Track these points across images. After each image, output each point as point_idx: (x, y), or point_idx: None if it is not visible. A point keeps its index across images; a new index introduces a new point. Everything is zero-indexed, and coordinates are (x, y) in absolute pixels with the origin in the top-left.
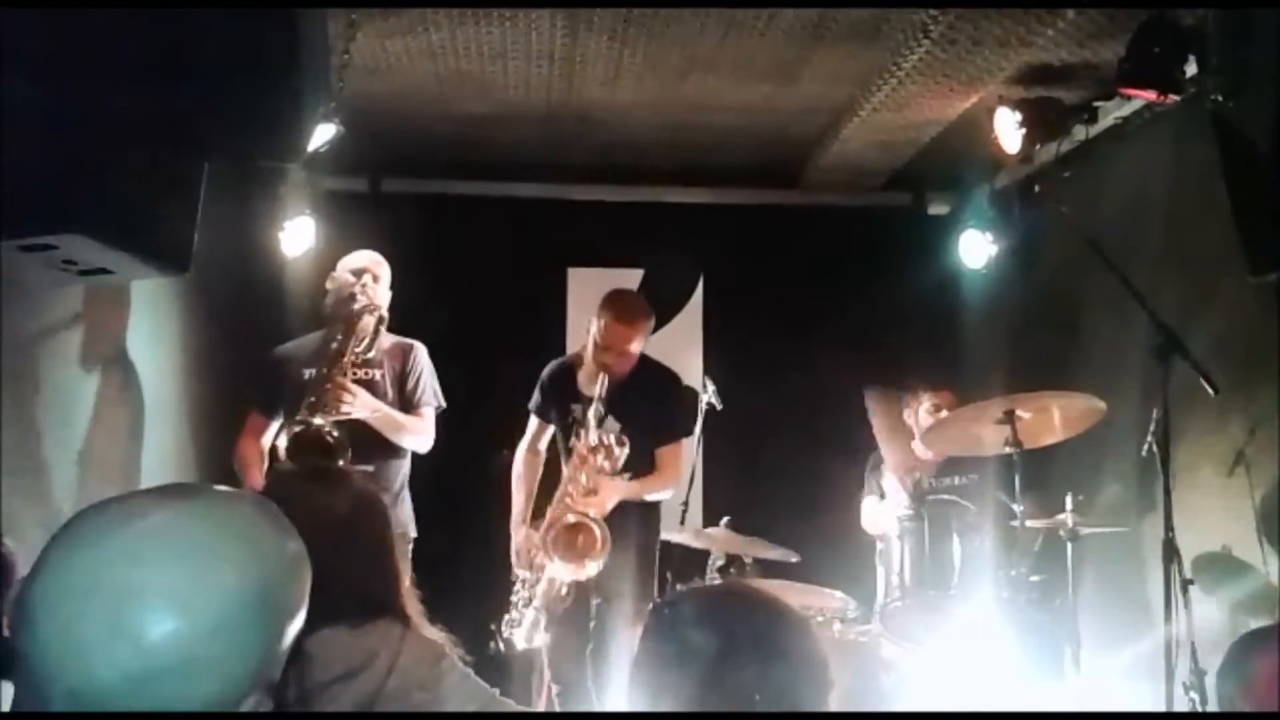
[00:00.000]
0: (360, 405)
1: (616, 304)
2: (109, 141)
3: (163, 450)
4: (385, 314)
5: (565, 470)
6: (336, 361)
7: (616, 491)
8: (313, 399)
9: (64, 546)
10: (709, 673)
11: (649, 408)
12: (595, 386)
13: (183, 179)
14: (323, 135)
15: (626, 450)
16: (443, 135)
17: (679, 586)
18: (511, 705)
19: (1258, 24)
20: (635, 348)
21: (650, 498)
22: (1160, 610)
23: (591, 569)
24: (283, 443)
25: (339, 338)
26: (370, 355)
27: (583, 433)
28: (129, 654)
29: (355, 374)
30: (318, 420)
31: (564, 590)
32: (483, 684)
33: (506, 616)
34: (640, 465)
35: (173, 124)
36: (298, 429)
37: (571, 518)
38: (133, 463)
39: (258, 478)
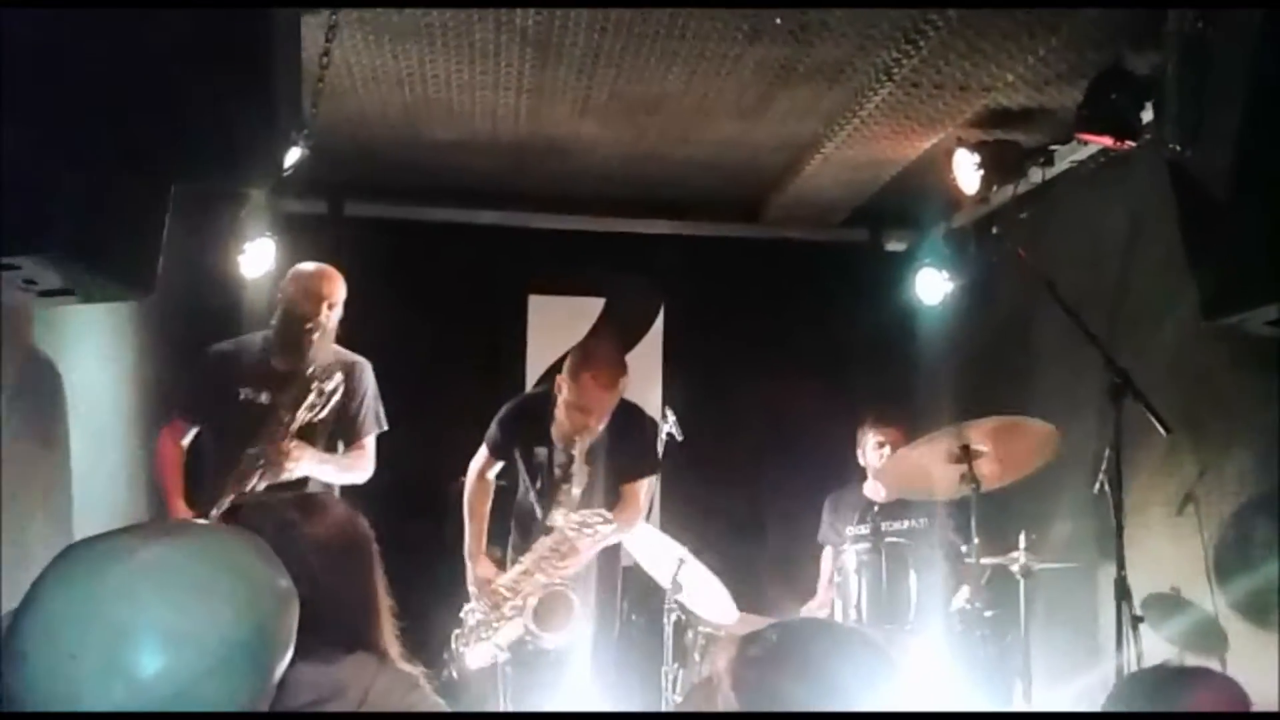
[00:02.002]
0: (305, 461)
1: (593, 363)
2: (74, 162)
3: (113, 469)
4: (340, 384)
5: (534, 542)
6: (283, 419)
7: (582, 556)
8: (255, 458)
9: (57, 582)
10: (803, 704)
11: (619, 446)
12: (575, 449)
13: (149, 201)
14: (291, 159)
15: (612, 527)
16: (407, 161)
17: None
18: None
19: (1215, 73)
20: (610, 407)
21: (613, 540)
22: (1109, 646)
23: (563, 636)
24: (216, 513)
25: (291, 400)
26: (319, 405)
27: (563, 511)
28: (122, 693)
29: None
30: (268, 483)
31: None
32: (456, 714)
33: (457, 631)
34: (606, 500)
35: (140, 146)
36: (236, 502)
37: (551, 587)
38: (55, 472)
39: (178, 501)
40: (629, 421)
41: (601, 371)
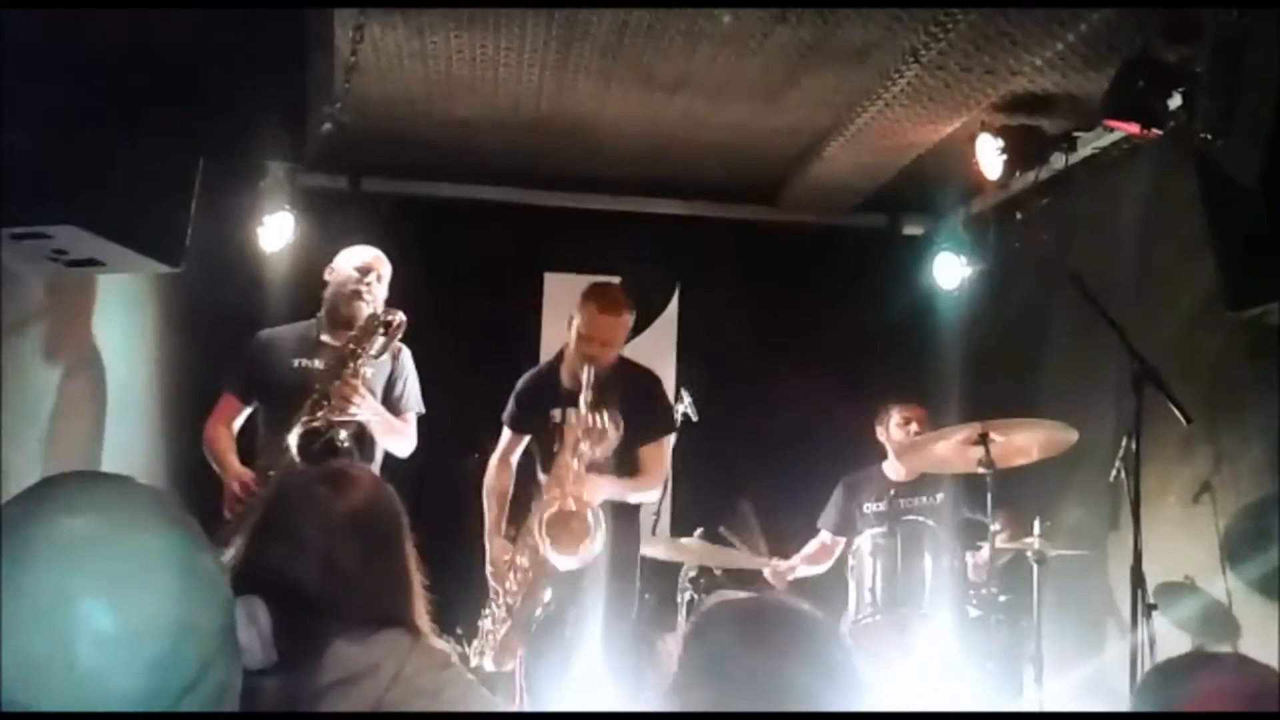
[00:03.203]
0: (366, 407)
1: (600, 295)
2: (107, 134)
3: (131, 442)
4: (403, 319)
5: (555, 460)
6: (349, 362)
7: (603, 489)
8: (318, 397)
9: None
10: (746, 685)
11: (631, 408)
12: (581, 377)
13: (179, 174)
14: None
15: (620, 433)
16: (427, 137)
17: (707, 598)
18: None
19: (1249, 66)
20: (619, 338)
21: (635, 499)
22: (1121, 633)
23: (582, 559)
24: (293, 439)
25: (354, 339)
26: (380, 358)
27: (574, 415)
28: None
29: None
30: (334, 418)
31: (545, 597)
32: (487, 693)
33: (476, 642)
34: (624, 467)
35: (173, 119)
36: (311, 427)
37: (570, 504)
38: (93, 456)
39: (234, 460)
40: (639, 382)
41: (605, 299)
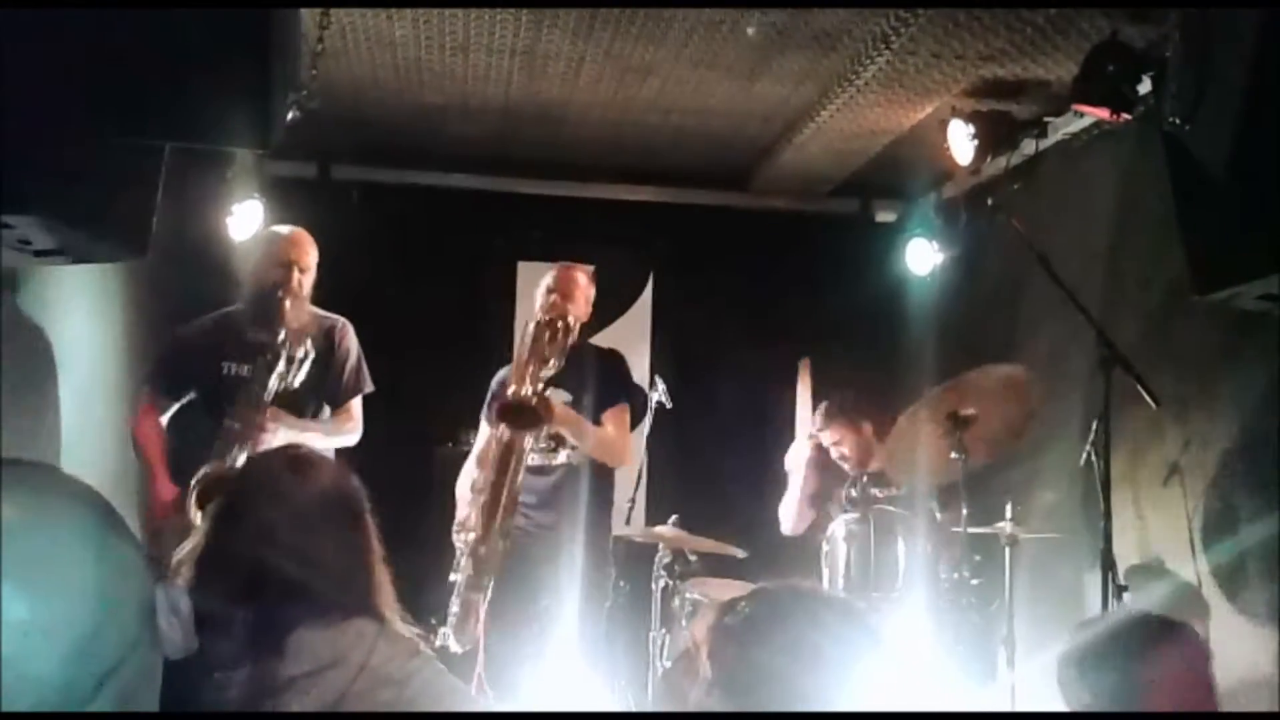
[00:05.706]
0: (281, 436)
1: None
2: (68, 122)
3: (101, 431)
4: (344, 324)
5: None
6: (258, 399)
7: (564, 415)
8: (225, 437)
9: None
10: (780, 675)
11: (593, 381)
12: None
13: (142, 162)
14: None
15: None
16: (396, 124)
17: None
18: (484, 704)
19: (1217, 49)
20: (578, 297)
21: (597, 456)
22: (1093, 615)
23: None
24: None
25: (260, 379)
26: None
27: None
28: None
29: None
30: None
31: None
32: (457, 681)
33: (446, 614)
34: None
35: (135, 107)
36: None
37: (524, 395)
38: (48, 437)
39: (164, 473)
40: (601, 358)
41: (572, 265)
